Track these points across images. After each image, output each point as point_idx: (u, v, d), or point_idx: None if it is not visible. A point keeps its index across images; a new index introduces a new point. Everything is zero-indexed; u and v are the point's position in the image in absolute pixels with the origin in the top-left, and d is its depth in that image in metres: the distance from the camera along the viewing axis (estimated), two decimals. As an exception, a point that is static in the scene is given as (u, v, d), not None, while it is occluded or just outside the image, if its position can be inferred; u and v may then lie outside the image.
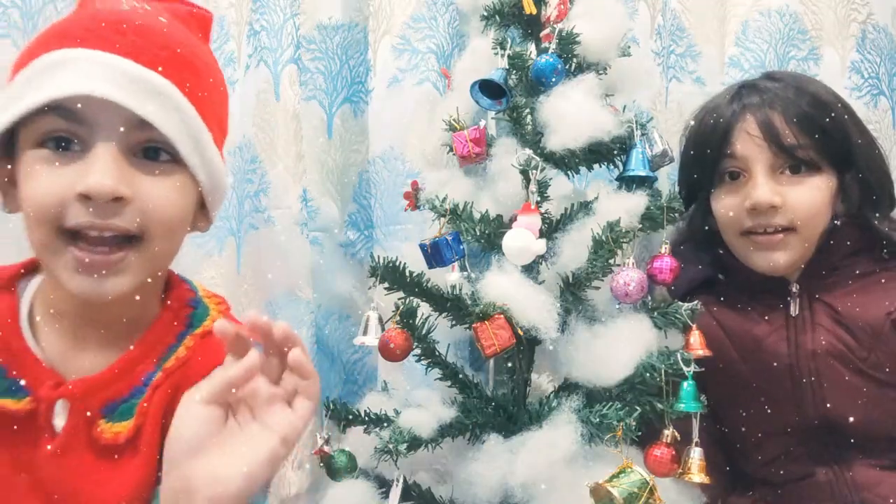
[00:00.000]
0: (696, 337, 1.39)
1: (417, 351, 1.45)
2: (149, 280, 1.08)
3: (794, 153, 1.51)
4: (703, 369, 1.35)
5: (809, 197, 1.52)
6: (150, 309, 1.13)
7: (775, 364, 1.56)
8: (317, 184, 1.81)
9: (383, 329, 1.44)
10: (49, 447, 1.05)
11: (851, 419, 1.52)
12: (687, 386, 1.34)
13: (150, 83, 1.02)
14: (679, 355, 1.34)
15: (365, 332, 1.46)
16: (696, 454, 1.34)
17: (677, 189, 1.64)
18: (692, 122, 1.67)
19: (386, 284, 1.46)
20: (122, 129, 1.01)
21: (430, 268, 1.43)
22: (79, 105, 0.99)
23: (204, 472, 0.91)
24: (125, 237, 1.03)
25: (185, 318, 1.16)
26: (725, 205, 1.57)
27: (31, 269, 1.14)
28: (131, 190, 1.01)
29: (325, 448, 1.45)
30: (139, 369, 1.10)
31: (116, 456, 1.07)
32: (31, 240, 1.03)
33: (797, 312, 1.58)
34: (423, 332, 1.44)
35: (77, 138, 1.01)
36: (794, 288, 1.58)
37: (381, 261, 1.45)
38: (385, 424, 1.45)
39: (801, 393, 1.54)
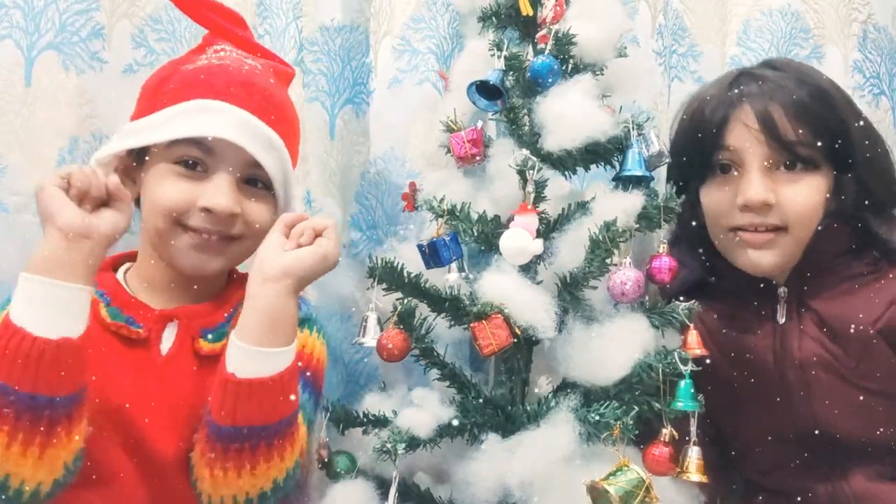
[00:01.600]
0: (693, 336, 1.38)
1: (416, 351, 1.45)
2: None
3: (792, 149, 1.45)
4: (700, 368, 1.35)
5: (805, 197, 1.47)
6: (221, 283, 1.51)
7: (762, 373, 1.53)
8: (319, 185, 1.81)
9: (382, 330, 1.45)
10: (162, 357, 1.38)
11: (843, 430, 1.49)
12: (684, 385, 1.33)
13: (268, 137, 1.41)
14: (676, 354, 1.33)
15: (364, 333, 1.47)
16: (693, 453, 1.34)
17: (667, 179, 1.63)
18: (684, 109, 1.62)
19: (384, 285, 1.47)
20: (240, 164, 1.40)
21: (427, 268, 1.44)
22: (213, 143, 1.37)
23: (264, 259, 1.31)
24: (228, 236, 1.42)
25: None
26: (715, 199, 1.52)
27: (119, 262, 1.51)
28: (240, 209, 1.39)
29: (323, 452, 1.47)
30: (220, 311, 1.44)
31: (210, 366, 1.35)
32: (149, 226, 1.40)
33: (784, 320, 1.54)
34: (422, 332, 1.45)
35: (203, 164, 1.39)
36: (783, 292, 1.54)
37: (379, 261, 1.46)
38: (383, 426, 1.45)
39: (790, 403, 1.52)
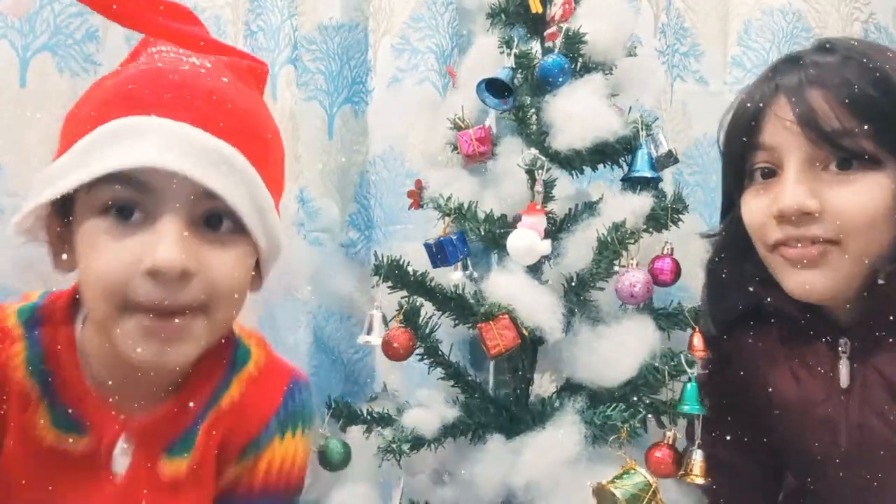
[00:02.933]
0: (698, 339, 1.37)
1: (420, 350, 1.44)
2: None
3: (838, 142, 1.16)
4: (705, 371, 1.34)
5: (860, 200, 1.16)
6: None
7: (815, 443, 1.30)
8: (318, 184, 1.81)
9: (387, 328, 1.44)
10: (115, 482, 1.08)
11: None
12: (690, 387, 1.32)
13: (220, 153, 1.01)
14: (682, 357, 1.32)
15: (368, 332, 1.46)
16: (697, 456, 1.32)
17: (722, 195, 1.43)
18: (728, 110, 1.37)
19: (389, 283, 1.46)
20: (188, 199, 1.00)
21: (434, 267, 1.43)
22: (147, 175, 0.98)
23: None
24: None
25: (228, 360, 1.19)
26: (752, 210, 1.27)
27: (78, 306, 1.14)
28: (198, 264, 0.99)
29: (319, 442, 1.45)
30: (191, 409, 1.12)
31: (178, 492, 1.12)
32: (91, 305, 1.03)
33: (847, 383, 1.26)
34: (426, 331, 1.44)
35: (140, 207, 1.00)
36: (843, 345, 1.26)
37: (385, 260, 1.45)
38: (386, 424, 1.44)
39: (849, 481, 1.27)
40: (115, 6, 1.12)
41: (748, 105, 1.27)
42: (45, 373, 1.07)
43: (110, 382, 1.09)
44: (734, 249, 1.35)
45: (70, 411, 1.07)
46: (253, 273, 1.13)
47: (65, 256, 1.06)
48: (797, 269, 1.21)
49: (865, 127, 1.16)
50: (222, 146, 1.01)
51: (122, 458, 1.09)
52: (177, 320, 0.99)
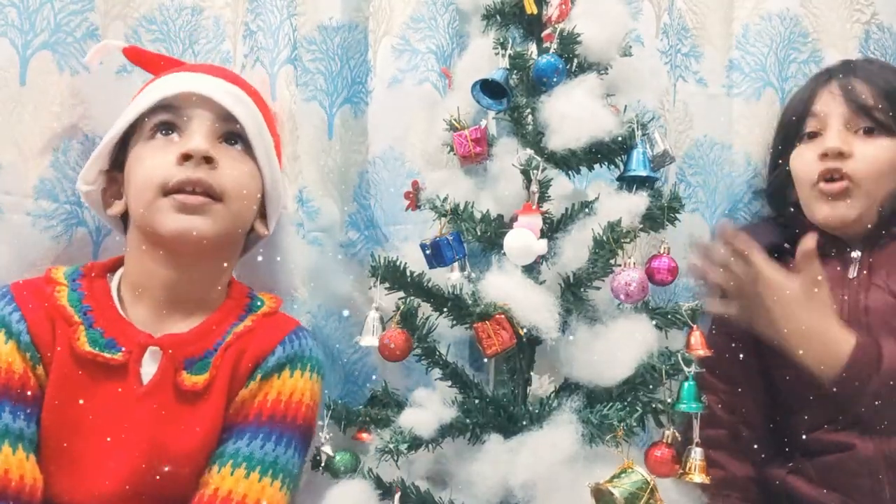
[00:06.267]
0: (696, 337, 1.38)
1: (418, 351, 1.45)
2: (223, 247, 1.49)
3: (869, 113, 1.65)
4: (703, 370, 1.34)
5: (877, 154, 1.65)
6: (216, 297, 1.50)
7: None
8: (317, 184, 1.80)
9: (384, 329, 1.44)
10: (142, 388, 1.36)
11: None
12: (688, 386, 1.32)
13: (237, 94, 1.48)
14: (679, 356, 1.33)
15: (365, 333, 1.46)
16: (696, 454, 1.33)
17: (768, 163, 1.87)
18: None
19: (386, 284, 1.46)
20: (213, 118, 1.44)
21: (430, 268, 1.43)
22: (183, 102, 1.43)
23: None
24: (210, 196, 1.40)
25: (245, 306, 1.51)
26: (802, 154, 1.72)
27: (115, 266, 1.49)
28: (218, 156, 1.40)
29: (327, 450, 1.46)
30: (211, 336, 1.43)
31: (194, 403, 1.39)
32: (137, 204, 1.40)
33: (854, 275, 1.68)
34: (424, 331, 1.44)
35: (178, 127, 1.43)
36: (855, 254, 1.69)
37: (382, 261, 1.45)
38: (385, 426, 1.44)
39: None
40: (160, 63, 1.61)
41: (805, 89, 1.77)
42: (83, 306, 1.39)
43: (142, 312, 1.43)
44: (774, 188, 1.83)
45: (104, 333, 1.37)
46: (263, 223, 1.57)
47: (113, 204, 1.50)
48: (829, 201, 1.66)
49: (887, 105, 1.65)
50: (238, 89, 1.48)
51: (149, 366, 1.38)
52: (203, 199, 1.38)
